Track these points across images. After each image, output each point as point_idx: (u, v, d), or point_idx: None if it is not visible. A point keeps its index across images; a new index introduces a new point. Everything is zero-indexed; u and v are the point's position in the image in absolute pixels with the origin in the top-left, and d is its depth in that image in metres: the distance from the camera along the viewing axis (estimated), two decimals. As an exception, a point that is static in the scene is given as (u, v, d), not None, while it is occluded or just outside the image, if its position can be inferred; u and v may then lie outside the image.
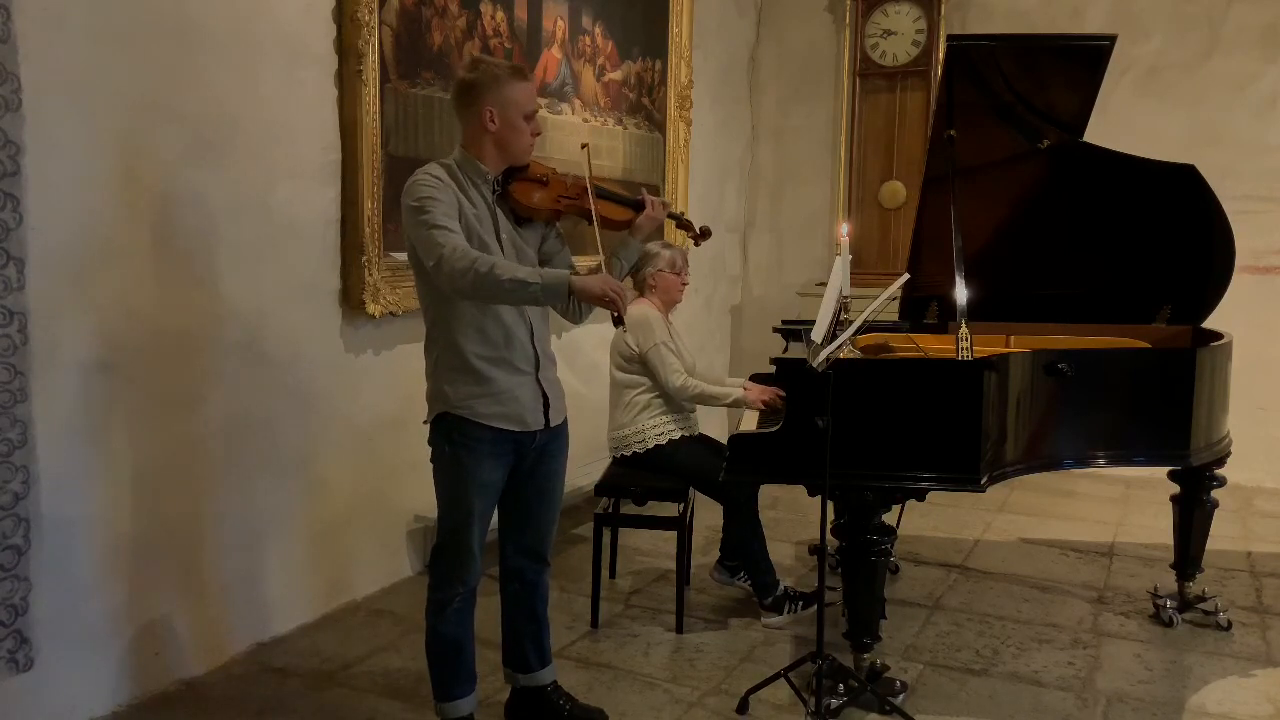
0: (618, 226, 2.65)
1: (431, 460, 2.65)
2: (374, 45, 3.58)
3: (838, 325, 3.08)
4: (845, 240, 3.29)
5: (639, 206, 2.67)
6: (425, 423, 2.65)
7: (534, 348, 2.63)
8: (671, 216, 2.76)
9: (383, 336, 3.83)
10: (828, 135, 6.51)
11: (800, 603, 3.68)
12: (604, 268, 2.52)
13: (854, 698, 3.01)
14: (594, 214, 2.57)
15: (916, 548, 4.53)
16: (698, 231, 2.82)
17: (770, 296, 6.67)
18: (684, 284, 3.83)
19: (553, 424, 2.68)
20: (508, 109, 2.51)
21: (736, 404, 3.63)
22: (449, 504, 2.63)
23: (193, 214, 3.10)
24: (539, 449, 2.68)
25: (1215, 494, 3.70)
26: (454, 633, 2.67)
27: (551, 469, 2.76)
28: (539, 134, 2.62)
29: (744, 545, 3.71)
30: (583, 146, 2.67)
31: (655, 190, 5.45)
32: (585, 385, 4.59)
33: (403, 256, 3.79)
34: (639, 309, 3.72)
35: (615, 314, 2.37)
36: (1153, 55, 5.74)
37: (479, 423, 2.55)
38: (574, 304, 2.61)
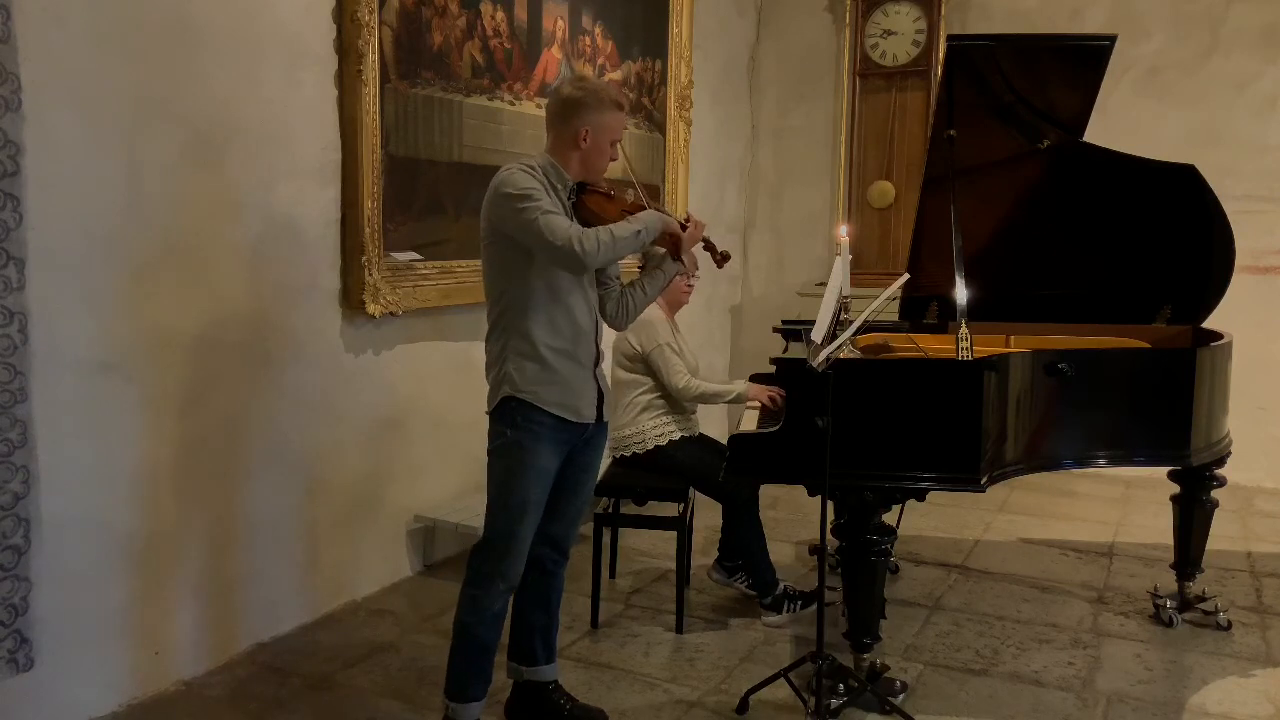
0: (667, 242, 2.80)
1: (489, 451, 2.69)
2: (374, 45, 3.58)
3: (838, 325, 3.08)
4: (845, 240, 3.29)
5: (683, 225, 2.80)
6: (488, 412, 2.70)
7: (595, 343, 2.74)
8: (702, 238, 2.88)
9: (383, 336, 3.83)
10: (828, 135, 6.51)
11: (800, 602, 3.68)
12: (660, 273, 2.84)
13: (854, 698, 3.01)
14: None
15: (916, 548, 4.53)
16: (720, 255, 2.91)
17: (770, 296, 6.67)
18: (689, 287, 3.83)
19: (604, 419, 2.80)
20: (600, 133, 2.66)
21: (739, 399, 3.64)
22: (504, 494, 2.67)
23: (193, 214, 3.10)
24: (585, 441, 2.77)
25: (1215, 494, 3.70)
26: (488, 636, 2.71)
27: (588, 461, 2.84)
28: (615, 159, 2.76)
29: (744, 545, 3.71)
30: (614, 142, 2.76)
31: (655, 190, 5.46)
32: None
33: (403, 257, 3.82)
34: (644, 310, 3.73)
35: (672, 249, 2.71)
36: (1153, 55, 5.74)
37: (542, 408, 2.63)
38: (623, 306, 2.84)
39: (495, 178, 2.62)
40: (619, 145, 2.73)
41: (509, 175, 2.59)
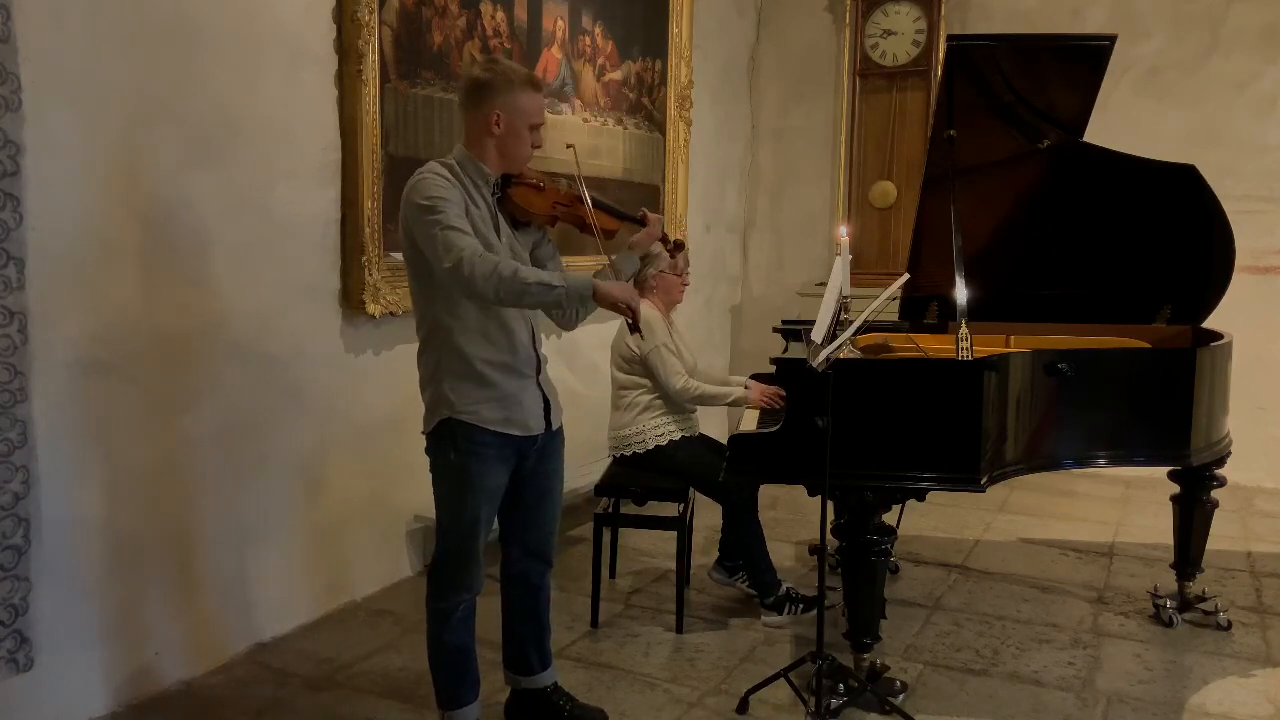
0: (608, 235, 2.66)
1: (432, 470, 2.62)
2: (374, 45, 3.58)
3: (838, 325, 3.09)
4: (845, 240, 3.29)
5: (629, 219, 2.69)
6: (424, 432, 2.62)
7: (535, 351, 2.63)
8: None
9: (383, 336, 3.83)
10: (828, 135, 6.51)
11: (800, 605, 3.68)
12: (611, 274, 2.58)
13: (854, 698, 3.01)
14: (589, 222, 2.60)
15: (916, 548, 4.53)
16: (672, 245, 2.86)
17: (770, 296, 6.67)
18: (684, 284, 3.83)
19: (554, 427, 2.69)
20: (515, 117, 2.48)
21: (737, 403, 3.64)
22: (454, 512, 2.59)
23: (193, 214, 3.10)
24: (539, 450, 2.68)
25: (1215, 494, 3.70)
26: (461, 640, 2.66)
27: (551, 469, 2.76)
28: (539, 146, 2.58)
29: (744, 546, 3.71)
30: (568, 146, 2.66)
31: (655, 190, 5.46)
32: (585, 385, 4.59)
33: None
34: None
35: (630, 320, 2.44)
36: (1153, 55, 5.74)
37: (485, 428, 2.52)
38: (574, 311, 2.65)
39: (410, 180, 2.43)
40: (561, 137, 2.56)
41: (419, 181, 2.41)
